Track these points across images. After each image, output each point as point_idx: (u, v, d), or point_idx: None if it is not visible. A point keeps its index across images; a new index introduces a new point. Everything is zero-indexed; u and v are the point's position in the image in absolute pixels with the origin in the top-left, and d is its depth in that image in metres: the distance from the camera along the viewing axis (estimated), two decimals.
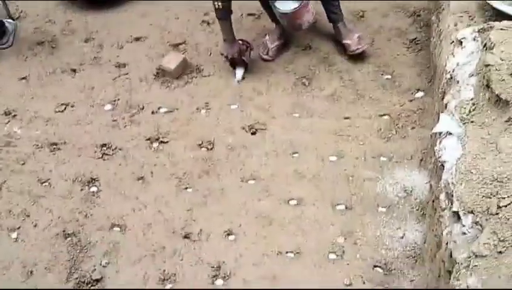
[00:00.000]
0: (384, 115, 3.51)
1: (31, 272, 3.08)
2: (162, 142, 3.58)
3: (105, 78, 3.96)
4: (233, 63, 3.84)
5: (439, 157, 2.66)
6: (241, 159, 3.44)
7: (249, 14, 4.19)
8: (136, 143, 3.60)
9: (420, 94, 3.57)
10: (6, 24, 4.24)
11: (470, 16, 3.21)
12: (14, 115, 3.81)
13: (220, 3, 3.56)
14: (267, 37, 3.95)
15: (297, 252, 3.00)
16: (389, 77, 3.69)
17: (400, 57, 3.77)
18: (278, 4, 3.54)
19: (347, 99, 3.63)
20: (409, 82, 3.63)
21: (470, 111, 2.65)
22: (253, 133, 3.56)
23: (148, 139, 3.60)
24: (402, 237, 2.99)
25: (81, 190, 3.40)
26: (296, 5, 3.53)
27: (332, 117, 3.56)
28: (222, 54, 3.84)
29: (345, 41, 3.83)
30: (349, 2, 4.11)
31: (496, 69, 2.57)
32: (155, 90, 3.86)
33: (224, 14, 3.62)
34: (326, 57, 3.86)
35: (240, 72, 3.85)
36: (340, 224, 3.08)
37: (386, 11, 4.04)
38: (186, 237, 3.14)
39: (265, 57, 3.94)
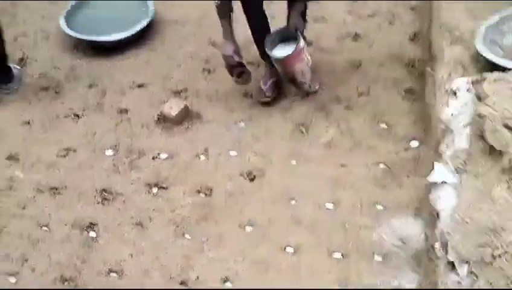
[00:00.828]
0: (380, 163, 3.55)
1: None
2: (161, 187, 3.62)
3: (108, 123, 4.02)
4: (229, 65, 3.82)
5: (435, 206, 2.69)
6: (239, 205, 3.47)
7: (249, 63, 4.27)
8: (135, 188, 3.63)
9: (415, 143, 3.61)
10: (14, 70, 4.34)
11: (463, 67, 3.28)
12: (17, 159, 3.86)
13: (218, 1, 3.66)
14: (261, 82, 4.02)
15: None
16: (385, 126, 3.74)
17: (395, 106, 3.83)
18: (274, 50, 3.68)
19: (344, 147, 3.68)
20: (405, 131, 3.68)
21: (464, 161, 2.70)
22: (252, 180, 3.59)
23: (148, 184, 3.64)
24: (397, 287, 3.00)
25: (80, 234, 3.42)
26: (288, 52, 3.65)
27: (329, 165, 3.60)
28: (223, 56, 3.83)
29: (297, 78, 3.89)
30: (348, 52, 4.22)
31: (489, 120, 2.64)
32: (156, 136, 3.92)
33: (221, 12, 3.70)
34: (324, 105, 3.93)
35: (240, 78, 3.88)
36: (336, 272, 3.09)
37: (382, 61, 4.12)
38: (182, 283, 3.14)
39: (263, 100, 4.00)
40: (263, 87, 3.99)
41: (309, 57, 3.86)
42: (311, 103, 3.96)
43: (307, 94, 3.98)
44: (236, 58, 3.80)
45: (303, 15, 3.79)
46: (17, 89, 4.33)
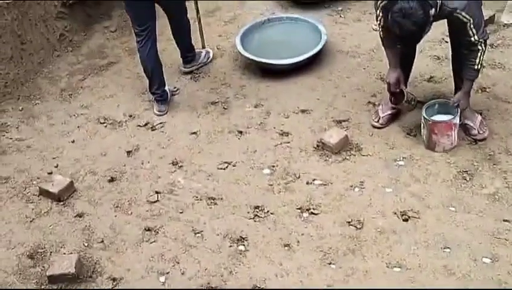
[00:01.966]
0: None
1: None
2: (312, 213, 3.65)
3: (268, 143, 4.14)
4: (390, 92, 3.93)
5: None
6: (389, 244, 3.40)
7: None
8: (287, 210, 3.69)
9: None
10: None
11: None
12: (181, 166, 4.07)
13: (382, 33, 3.78)
14: (380, 106, 4.06)
15: None
16: None
17: None
18: (429, 111, 3.82)
19: (509, 201, 3.49)
20: None
21: None
22: (405, 220, 3.51)
23: (299, 208, 3.68)
24: None
25: (230, 246, 3.53)
26: (438, 118, 3.77)
27: (491, 217, 3.43)
28: (386, 82, 3.96)
29: (466, 122, 3.88)
30: None
31: None
32: (313, 162, 3.96)
33: (386, 42, 3.83)
34: (492, 154, 3.76)
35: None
36: None
37: None
38: None
39: (376, 124, 4.07)
40: (380, 113, 4.05)
41: (456, 138, 3.82)
42: (478, 150, 3.81)
43: (474, 141, 3.84)
44: (398, 87, 3.88)
45: (468, 94, 3.79)
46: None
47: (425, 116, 3.80)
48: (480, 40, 3.56)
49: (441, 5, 3.43)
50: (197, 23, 4.84)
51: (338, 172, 3.87)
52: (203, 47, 4.92)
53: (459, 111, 3.76)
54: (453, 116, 3.76)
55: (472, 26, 3.50)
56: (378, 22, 3.72)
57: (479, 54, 3.60)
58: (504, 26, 4.69)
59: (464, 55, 3.65)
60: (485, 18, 4.54)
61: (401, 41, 3.62)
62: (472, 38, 3.54)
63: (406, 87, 3.97)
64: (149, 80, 4.48)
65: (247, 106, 4.47)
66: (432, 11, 3.38)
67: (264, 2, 5.47)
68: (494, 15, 4.74)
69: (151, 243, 3.60)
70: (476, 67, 3.64)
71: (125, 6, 4.32)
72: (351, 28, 4.99)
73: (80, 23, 5.35)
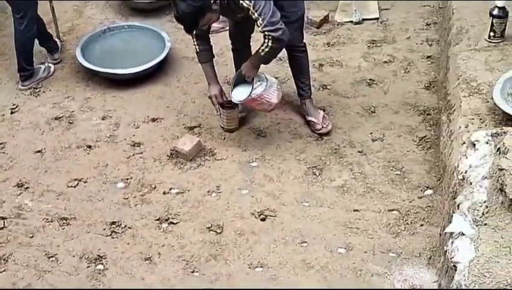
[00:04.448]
0: (393, 210, 3.55)
1: None
2: (171, 223, 3.60)
3: (120, 156, 4.02)
4: (214, 103, 3.96)
5: (451, 257, 2.67)
6: (249, 245, 3.45)
7: None
8: (145, 222, 3.61)
9: (429, 192, 3.62)
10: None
11: (480, 119, 3.32)
12: (27, 188, 3.83)
13: (198, 47, 3.80)
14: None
15: None
16: (399, 172, 3.75)
17: (409, 153, 3.85)
18: (233, 92, 3.85)
19: (357, 191, 3.68)
20: (418, 179, 3.69)
21: (483, 213, 2.70)
22: (263, 220, 3.58)
23: (158, 219, 3.62)
24: None
25: (88, 267, 3.38)
26: (241, 98, 3.81)
27: (342, 208, 3.59)
28: (209, 98, 3.98)
29: (310, 118, 4.06)
30: (362, 97, 4.26)
31: (510, 174, 2.64)
32: (168, 171, 3.91)
33: (203, 57, 3.86)
34: (337, 148, 3.94)
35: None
36: None
37: (397, 108, 4.16)
38: None
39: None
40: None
41: (271, 100, 3.83)
42: (325, 145, 3.98)
43: (320, 135, 4.00)
44: (224, 97, 3.97)
45: (254, 66, 3.73)
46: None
47: (233, 100, 3.84)
48: (266, 32, 3.44)
49: None
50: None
51: (194, 179, 3.85)
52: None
53: (254, 80, 3.74)
54: (249, 90, 3.75)
55: (257, 14, 3.40)
56: (192, 37, 3.76)
57: (264, 47, 3.52)
58: (338, 25, 4.95)
59: None
60: (320, 18, 4.82)
61: (180, 24, 3.48)
62: (260, 29, 3.47)
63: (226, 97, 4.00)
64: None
65: (94, 119, 4.30)
66: None
67: (103, 11, 5.32)
68: (328, 14, 4.98)
69: (0, 272, 3.35)
70: (262, 54, 3.57)
71: None
72: None
73: None
